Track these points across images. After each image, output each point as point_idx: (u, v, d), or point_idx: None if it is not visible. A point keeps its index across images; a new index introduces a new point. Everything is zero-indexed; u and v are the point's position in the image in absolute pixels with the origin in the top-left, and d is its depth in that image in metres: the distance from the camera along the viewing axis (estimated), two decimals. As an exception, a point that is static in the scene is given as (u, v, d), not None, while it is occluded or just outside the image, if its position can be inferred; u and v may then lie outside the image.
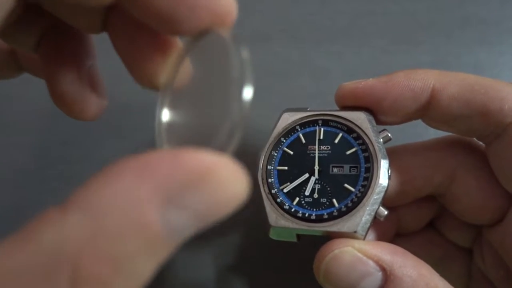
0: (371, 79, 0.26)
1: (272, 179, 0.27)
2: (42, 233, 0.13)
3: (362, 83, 0.26)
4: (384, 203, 0.25)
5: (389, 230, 0.31)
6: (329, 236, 0.25)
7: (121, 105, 0.38)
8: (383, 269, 0.23)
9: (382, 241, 0.30)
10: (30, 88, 0.39)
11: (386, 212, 0.25)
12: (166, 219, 0.13)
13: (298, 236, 0.26)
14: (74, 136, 0.39)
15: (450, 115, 0.25)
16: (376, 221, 0.25)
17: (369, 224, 0.24)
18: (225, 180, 0.14)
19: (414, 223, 0.32)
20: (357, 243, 0.23)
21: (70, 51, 0.23)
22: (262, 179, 0.27)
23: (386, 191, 0.25)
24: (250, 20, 0.39)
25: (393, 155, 0.27)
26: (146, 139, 0.38)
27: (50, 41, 0.22)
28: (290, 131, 0.28)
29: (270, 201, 0.26)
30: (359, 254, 0.23)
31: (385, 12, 0.39)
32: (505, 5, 0.39)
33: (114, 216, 0.13)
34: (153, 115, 0.18)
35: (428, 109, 0.26)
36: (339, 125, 0.27)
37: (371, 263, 0.23)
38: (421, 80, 0.26)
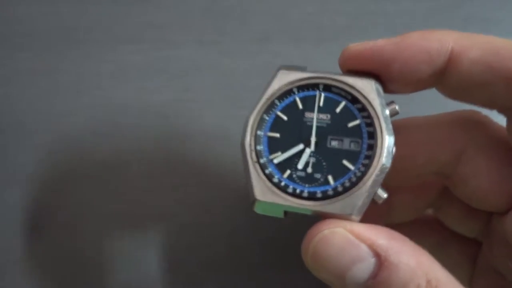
0: (380, 39, 0.24)
1: (261, 147, 0.24)
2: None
3: (371, 43, 0.24)
4: (382, 183, 0.23)
5: (376, 219, 0.28)
6: (321, 217, 0.22)
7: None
8: (377, 255, 0.20)
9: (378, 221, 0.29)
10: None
11: (385, 195, 0.23)
12: None
13: (286, 212, 0.23)
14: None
15: (470, 82, 0.22)
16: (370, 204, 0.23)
17: (366, 207, 0.22)
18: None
19: (407, 213, 0.30)
20: (349, 225, 0.21)
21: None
22: (250, 145, 0.24)
23: (388, 171, 0.22)
24: (250, 20, 0.39)
25: (396, 127, 0.25)
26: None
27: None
28: (286, 93, 0.24)
29: (257, 172, 0.23)
30: (351, 236, 0.20)
31: (385, 12, 0.39)
32: (505, 5, 0.39)
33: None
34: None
35: (445, 75, 0.23)
36: (342, 93, 0.24)
37: (364, 247, 0.20)
38: (438, 41, 0.22)
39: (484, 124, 0.26)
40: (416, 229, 0.30)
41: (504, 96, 0.22)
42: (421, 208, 0.29)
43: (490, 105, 0.24)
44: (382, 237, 0.21)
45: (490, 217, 0.27)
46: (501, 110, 0.24)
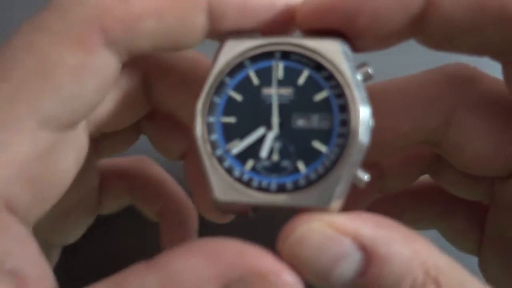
0: None
1: (216, 136, 0.20)
2: (130, 282, 0.17)
3: None
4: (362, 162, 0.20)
5: (368, 191, 0.26)
6: (296, 211, 0.20)
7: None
8: (363, 248, 0.17)
9: (359, 206, 0.26)
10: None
11: (366, 177, 0.19)
12: None
13: (255, 210, 0.21)
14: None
15: (455, 26, 0.19)
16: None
17: (345, 194, 0.19)
18: (276, 283, 0.17)
19: (400, 181, 0.27)
20: (327, 217, 0.18)
21: None
22: (202, 136, 0.20)
23: (367, 149, 0.19)
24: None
25: (372, 95, 0.21)
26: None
27: (194, 155, 0.25)
28: (237, 67, 0.21)
29: (214, 166, 0.20)
30: (331, 231, 0.18)
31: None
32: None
33: (180, 285, 0.16)
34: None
35: (423, 23, 0.19)
36: (303, 59, 0.20)
37: (347, 241, 0.17)
38: None
39: (473, 79, 0.23)
40: (418, 199, 0.28)
41: (496, 39, 0.19)
42: (415, 174, 0.27)
43: (481, 51, 0.20)
44: (367, 226, 0.18)
45: (493, 180, 0.24)
46: (495, 56, 0.21)
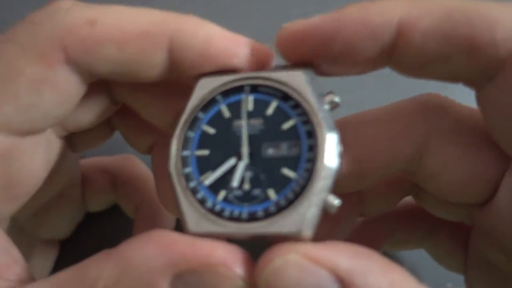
0: (315, 16, 0.21)
1: (190, 169, 0.21)
2: (90, 269, 0.18)
3: (306, 22, 0.21)
4: (336, 189, 0.19)
5: (348, 215, 0.26)
6: (269, 239, 0.19)
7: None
8: (341, 280, 0.17)
9: (340, 230, 0.26)
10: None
11: (336, 201, 0.19)
12: None
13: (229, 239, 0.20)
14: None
15: (425, 56, 0.19)
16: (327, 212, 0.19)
17: (316, 219, 0.19)
18: (227, 277, 0.17)
19: (382, 204, 0.27)
20: (303, 247, 0.17)
21: None
22: (177, 169, 0.20)
23: (336, 173, 0.19)
24: (250, 20, 0.39)
25: (346, 127, 0.22)
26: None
27: (160, 147, 0.27)
28: (209, 102, 0.21)
29: (188, 198, 0.20)
30: (307, 263, 0.17)
31: (385, 12, 0.39)
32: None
33: (134, 273, 0.18)
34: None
35: (395, 51, 0.20)
36: (271, 91, 0.21)
37: (323, 273, 0.17)
38: (381, 14, 0.19)
39: (445, 108, 0.23)
40: (403, 220, 0.28)
41: (466, 68, 0.19)
42: (397, 197, 0.27)
43: (453, 79, 0.20)
44: (344, 257, 0.17)
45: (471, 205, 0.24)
46: (466, 83, 0.21)
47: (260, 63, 0.22)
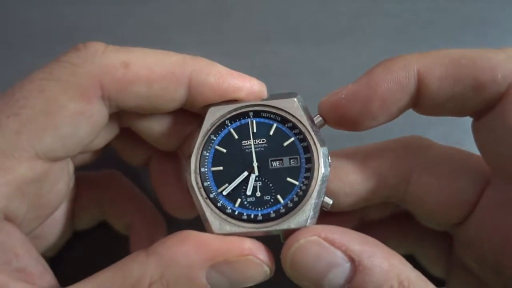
0: (350, 85, 0.25)
1: (208, 182, 0.25)
2: (132, 267, 0.21)
3: (344, 92, 0.25)
4: (339, 208, 0.26)
5: (350, 219, 0.30)
6: (281, 234, 0.24)
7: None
8: (352, 260, 0.21)
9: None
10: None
11: (331, 202, 0.25)
12: (208, 279, 0.22)
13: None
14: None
15: (443, 97, 0.24)
16: (333, 211, 0.25)
17: (317, 215, 0.24)
18: (255, 264, 0.22)
19: (378, 212, 0.31)
20: (323, 232, 0.22)
21: (172, 166, 0.30)
22: (197, 183, 0.25)
23: (328, 179, 0.25)
24: (250, 20, 0.39)
25: (345, 156, 0.27)
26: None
27: (158, 159, 0.30)
28: (219, 126, 0.26)
29: (210, 207, 0.25)
30: (326, 244, 0.22)
31: (385, 12, 0.39)
32: (505, 5, 0.39)
33: (176, 268, 0.21)
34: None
35: (419, 96, 0.24)
36: (272, 115, 0.26)
37: (338, 253, 0.22)
38: (403, 68, 0.24)
39: (427, 147, 0.27)
40: (394, 229, 0.32)
41: (474, 102, 0.24)
42: (391, 206, 0.31)
43: (462, 113, 0.25)
44: (355, 242, 0.22)
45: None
46: (471, 114, 0.25)
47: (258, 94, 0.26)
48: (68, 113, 0.23)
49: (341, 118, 0.25)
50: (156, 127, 0.27)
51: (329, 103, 0.25)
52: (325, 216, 0.26)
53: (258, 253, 0.22)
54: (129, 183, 0.33)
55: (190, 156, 0.25)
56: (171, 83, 0.24)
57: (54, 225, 0.30)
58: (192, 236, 0.22)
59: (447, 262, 0.30)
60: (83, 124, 0.23)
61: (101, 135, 0.26)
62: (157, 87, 0.24)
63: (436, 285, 0.22)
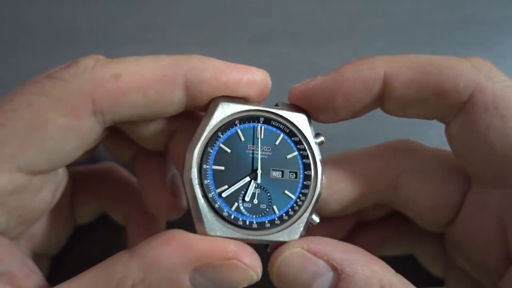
0: (319, 76, 0.25)
1: (208, 181, 0.24)
2: (115, 268, 0.21)
3: (312, 83, 0.25)
4: (333, 214, 0.27)
5: (346, 222, 0.31)
6: (269, 243, 0.24)
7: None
8: (334, 268, 0.22)
9: (336, 234, 0.30)
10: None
11: (318, 220, 0.25)
12: (192, 282, 0.21)
13: None
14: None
15: (406, 100, 0.24)
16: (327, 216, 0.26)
17: (306, 230, 0.24)
18: (240, 268, 0.22)
19: (374, 213, 0.31)
20: (306, 244, 0.23)
21: (158, 165, 0.30)
22: (196, 179, 0.24)
23: (320, 197, 0.25)
24: (250, 20, 0.39)
25: (333, 163, 0.27)
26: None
27: (143, 158, 0.30)
28: (228, 125, 0.24)
29: (206, 207, 0.23)
30: (309, 255, 0.22)
31: (385, 12, 0.39)
32: (505, 5, 0.39)
33: (158, 271, 0.21)
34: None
35: (384, 98, 0.25)
36: (281, 126, 0.25)
37: (321, 262, 0.22)
38: (370, 69, 0.24)
39: (414, 150, 0.28)
40: (393, 230, 0.32)
41: (438, 108, 0.25)
42: (386, 208, 0.31)
43: (429, 117, 0.26)
44: (337, 251, 0.22)
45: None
46: (439, 119, 0.26)
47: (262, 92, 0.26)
48: (55, 128, 0.22)
49: (306, 107, 0.26)
50: (146, 128, 0.26)
51: (298, 90, 0.25)
52: (323, 219, 0.26)
53: (243, 257, 0.22)
54: (127, 173, 0.33)
55: (188, 151, 0.24)
56: (166, 86, 0.23)
57: (54, 223, 0.30)
58: (177, 237, 0.22)
59: (443, 262, 0.31)
60: (70, 139, 0.23)
61: (93, 140, 0.26)
62: (152, 93, 0.23)
63: (436, 284, 0.22)
